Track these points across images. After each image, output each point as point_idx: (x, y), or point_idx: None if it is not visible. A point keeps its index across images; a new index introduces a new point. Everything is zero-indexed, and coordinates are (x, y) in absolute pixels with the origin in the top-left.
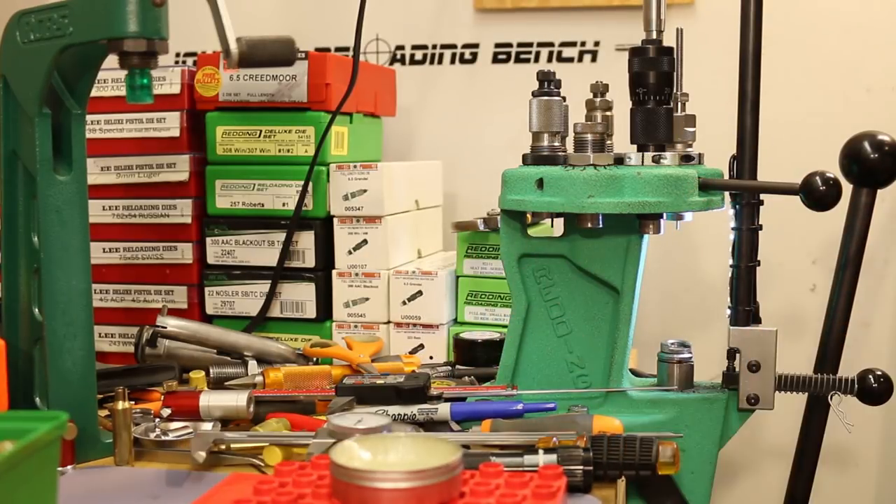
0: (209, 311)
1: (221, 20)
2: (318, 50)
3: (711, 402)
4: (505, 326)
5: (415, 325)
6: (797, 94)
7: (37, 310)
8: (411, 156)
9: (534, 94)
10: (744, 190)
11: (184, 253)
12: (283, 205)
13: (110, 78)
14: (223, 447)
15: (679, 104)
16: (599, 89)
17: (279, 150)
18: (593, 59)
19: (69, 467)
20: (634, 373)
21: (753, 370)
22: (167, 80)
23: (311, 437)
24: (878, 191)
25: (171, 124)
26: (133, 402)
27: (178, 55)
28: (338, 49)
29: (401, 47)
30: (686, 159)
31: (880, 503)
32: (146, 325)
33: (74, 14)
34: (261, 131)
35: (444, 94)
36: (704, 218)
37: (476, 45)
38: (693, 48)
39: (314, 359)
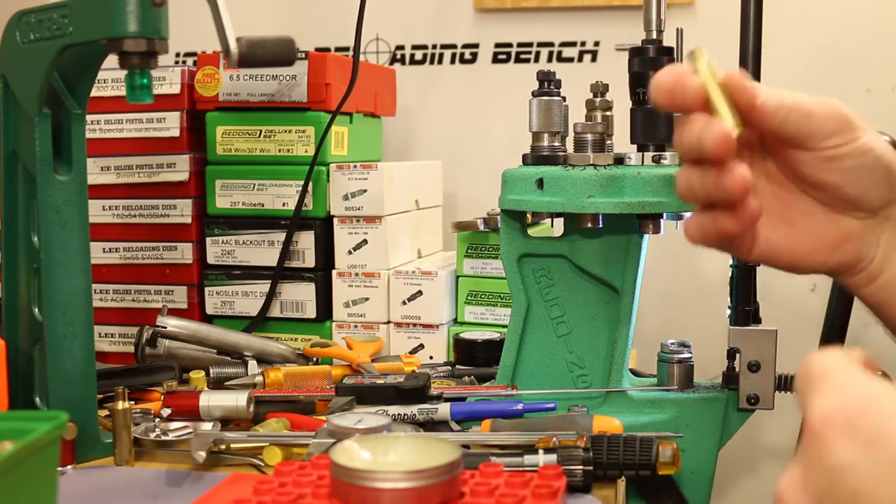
0: (209, 311)
1: (221, 20)
2: (318, 50)
3: (711, 402)
4: (505, 326)
5: (415, 325)
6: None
7: (37, 310)
8: (411, 156)
9: (534, 94)
10: None
11: (184, 253)
12: (283, 205)
13: (110, 78)
14: (223, 447)
15: None
16: (599, 89)
17: (279, 150)
18: (593, 59)
19: (69, 467)
20: (634, 373)
21: (753, 370)
22: (167, 80)
23: (311, 437)
24: None
25: (171, 124)
26: (133, 402)
27: (178, 55)
28: (338, 49)
29: (401, 47)
30: None
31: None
32: (146, 325)
33: (74, 14)
34: (261, 131)
35: (444, 94)
36: None
37: (476, 45)
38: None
39: (314, 359)
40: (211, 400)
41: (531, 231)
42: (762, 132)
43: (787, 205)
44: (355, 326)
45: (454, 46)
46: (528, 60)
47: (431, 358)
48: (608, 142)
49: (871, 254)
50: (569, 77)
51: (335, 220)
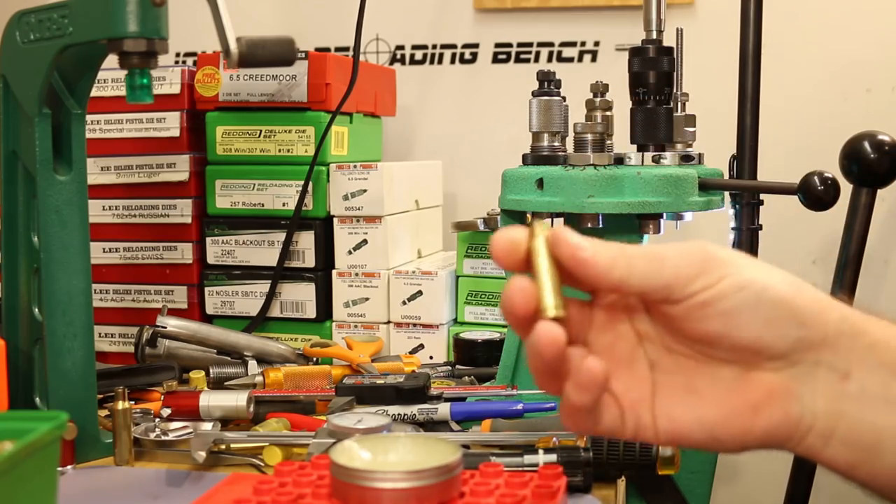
0: (209, 311)
1: (221, 20)
2: (318, 50)
3: None
4: (505, 326)
5: (415, 325)
6: (797, 94)
7: (37, 310)
8: (411, 156)
9: (534, 94)
10: (742, 189)
11: (184, 253)
12: (283, 205)
13: (110, 78)
14: (223, 447)
15: (679, 104)
16: (599, 89)
17: (279, 150)
18: (593, 59)
19: (69, 467)
20: None
21: None
22: (167, 80)
23: (311, 437)
24: (878, 191)
25: (171, 124)
26: (133, 402)
27: (178, 55)
28: (338, 49)
29: (401, 47)
30: (686, 159)
31: (880, 503)
32: (146, 325)
33: (74, 14)
34: (261, 131)
35: (444, 94)
36: (704, 218)
37: (476, 45)
38: (693, 48)
39: (314, 359)
40: (211, 400)
41: None
42: (608, 291)
43: (689, 372)
44: (355, 326)
45: (454, 46)
46: (528, 60)
47: (431, 358)
48: (608, 142)
49: (810, 409)
50: (569, 77)
51: (335, 220)
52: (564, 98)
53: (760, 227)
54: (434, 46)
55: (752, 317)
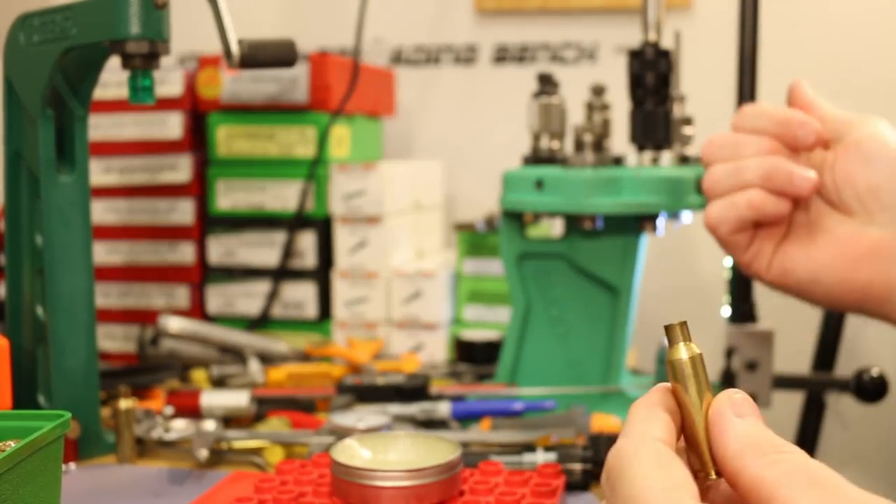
0: (210, 310)
1: (223, 22)
2: (318, 51)
3: None
4: (505, 326)
5: (415, 325)
6: None
7: (40, 309)
8: (411, 156)
9: (533, 96)
10: None
11: (185, 253)
12: (284, 205)
13: (113, 79)
14: (224, 446)
15: (677, 105)
16: (598, 91)
17: (280, 151)
18: (592, 61)
19: (72, 465)
20: (635, 372)
21: (750, 369)
22: (169, 81)
23: (311, 436)
24: None
25: (172, 125)
26: (135, 401)
27: (180, 57)
28: (338, 50)
29: (401, 47)
30: (684, 160)
31: None
32: (148, 324)
33: (77, 16)
34: (262, 132)
35: (444, 94)
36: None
37: (476, 46)
38: (691, 50)
39: (315, 358)
40: (213, 399)
41: (531, 231)
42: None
43: (817, 218)
44: (355, 327)
45: (454, 47)
46: (527, 61)
47: (431, 358)
48: (607, 142)
49: None
50: (568, 78)
51: (335, 220)
52: (564, 99)
53: None
54: (434, 47)
55: (880, 164)
